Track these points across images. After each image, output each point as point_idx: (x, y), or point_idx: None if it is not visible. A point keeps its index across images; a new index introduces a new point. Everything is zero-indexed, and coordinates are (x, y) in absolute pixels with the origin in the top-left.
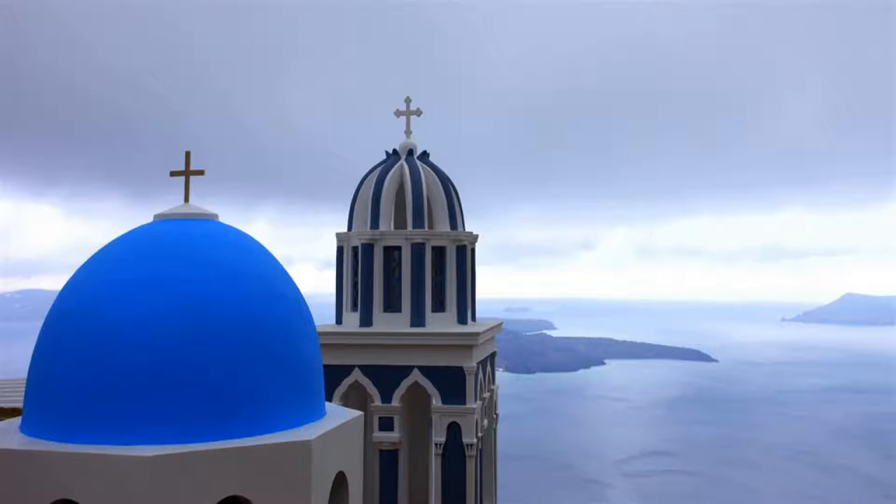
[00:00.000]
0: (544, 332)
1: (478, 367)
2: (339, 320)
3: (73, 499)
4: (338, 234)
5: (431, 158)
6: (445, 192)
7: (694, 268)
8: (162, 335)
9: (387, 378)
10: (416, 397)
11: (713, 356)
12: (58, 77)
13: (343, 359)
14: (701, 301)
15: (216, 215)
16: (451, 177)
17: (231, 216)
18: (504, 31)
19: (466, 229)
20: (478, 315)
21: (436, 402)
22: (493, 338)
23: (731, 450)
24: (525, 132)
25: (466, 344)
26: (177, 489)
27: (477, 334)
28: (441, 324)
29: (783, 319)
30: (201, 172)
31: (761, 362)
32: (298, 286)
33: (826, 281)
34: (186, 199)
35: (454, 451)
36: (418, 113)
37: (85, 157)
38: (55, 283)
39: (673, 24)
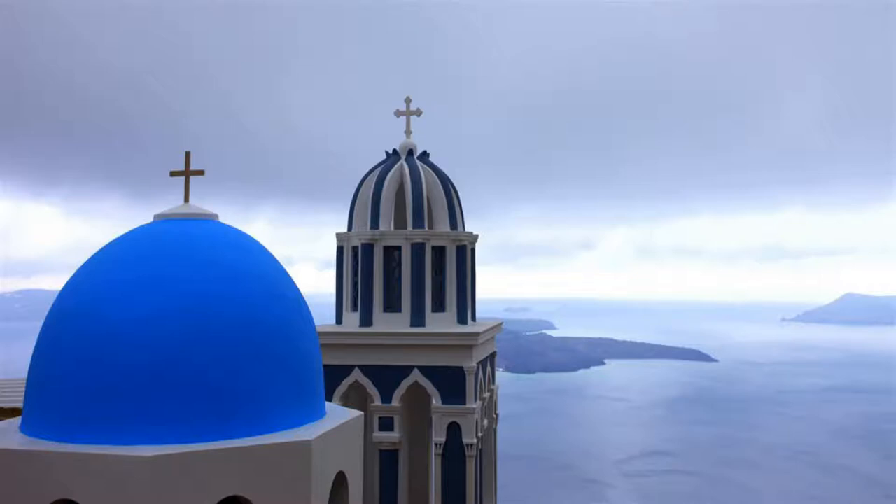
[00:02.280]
0: (544, 332)
1: (478, 367)
2: (339, 320)
3: (73, 499)
4: (338, 234)
5: (431, 158)
6: (445, 192)
7: (694, 268)
8: (162, 335)
9: (387, 378)
10: (416, 397)
11: (713, 356)
12: (58, 77)
13: (343, 359)
14: (701, 301)
15: (216, 215)
16: (451, 177)
17: (231, 216)
18: (504, 31)
19: (466, 229)
20: (478, 315)
21: (436, 402)
22: (493, 338)
23: (731, 450)
24: (525, 132)
25: (466, 344)
26: (177, 489)
27: (477, 334)
28: (441, 324)
29: (783, 319)
30: (201, 172)
31: (761, 362)
32: (298, 286)
33: (826, 281)
34: (186, 199)
35: (454, 451)
36: (418, 113)
37: (85, 157)
38: (55, 283)
39: (673, 24)
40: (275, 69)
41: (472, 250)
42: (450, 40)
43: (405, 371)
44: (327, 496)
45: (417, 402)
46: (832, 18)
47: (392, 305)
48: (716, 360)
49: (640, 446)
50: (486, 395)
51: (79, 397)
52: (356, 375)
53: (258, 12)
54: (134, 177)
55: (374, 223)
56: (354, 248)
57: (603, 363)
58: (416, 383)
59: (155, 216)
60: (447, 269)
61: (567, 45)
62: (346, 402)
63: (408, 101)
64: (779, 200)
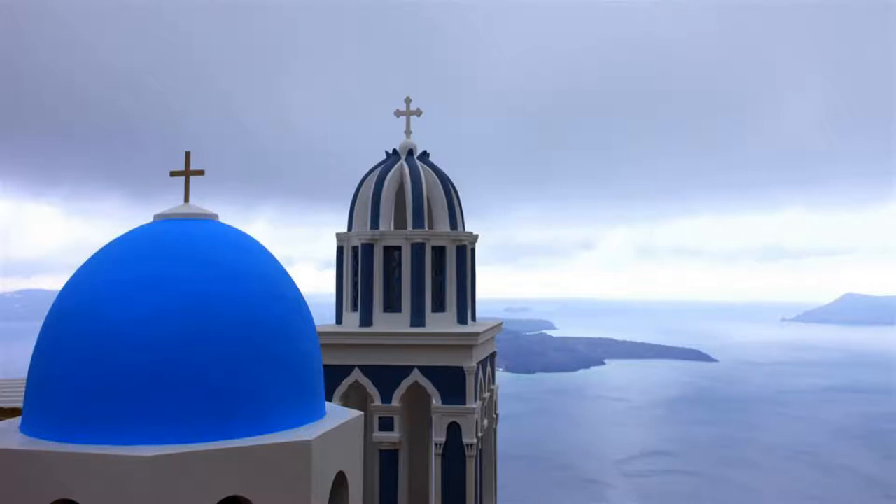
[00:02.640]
0: (544, 332)
1: (478, 367)
2: (339, 320)
3: (73, 499)
4: (338, 234)
5: (431, 158)
6: (445, 192)
7: (694, 268)
8: (162, 335)
9: (387, 378)
10: (416, 397)
11: (713, 356)
12: (58, 77)
13: (343, 359)
14: (701, 301)
15: (216, 215)
16: (451, 177)
17: (231, 216)
18: (504, 31)
19: (466, 229)
20: (478, 315)
21: (436, 402)
22: (493, 338)
23: (731, 450)
24: (525, 132)
25: (466, 344)
26: (177, 489)
27: (477, 334)
28: (441, 324)
29: (783, 319)
30: (201, 172)
31: (761, 362)
32: (298, 286)
33: (826, 281)
34: (186, 199)
35: (454, 451)
36: (418, 113)
37: (85, 157)
38: (55, 283)
39: (673, 24)
40: (275, 69)
41: (472, 250)
42: (450, 40)
43: (405, 371)
44: (327, 496)
45: (417, 402)
46: (832, 18)
47: (392, 305)
48: (716, 360)
49: (640, 446)
50: (486, 395)
51: (79, 397)
52: (356, 375)
53: (258, 12)
54: (134, 177)
55: (374, 223)
56: (354, 248)
57: (603, 363)
58: (416, 383)
59: (155, 216)
60: (447, 269)
61: (567, 45)
62: (346, 402)
63: (408, 101)
64: (779, 200)
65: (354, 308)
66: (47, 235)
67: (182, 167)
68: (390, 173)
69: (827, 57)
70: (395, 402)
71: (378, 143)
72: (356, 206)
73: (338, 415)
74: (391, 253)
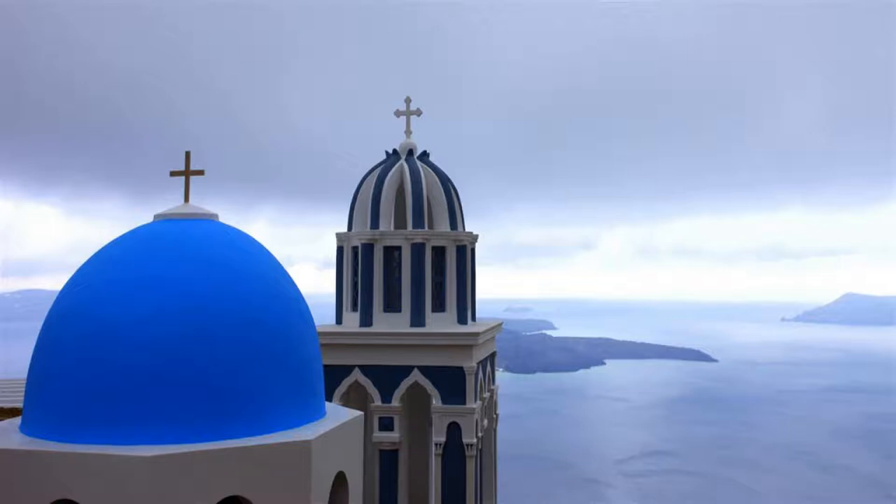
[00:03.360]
0: (544, 332)
1: (478, 367)
2: (339, 320)
3: (73, 499)
4: (338, 234)
5: (431, 158)
6: (445, 193)
7: (694, 268)
8: (162, 335)
9: (387, 378)
10: (416, 397)
11: (713, 356)
12: (58, 77)
13: (343, 359)
14: (701, 301)
15: (216, 215)
16: (451, 177)
17: (231, 216)
18: (504, 31)
19: (466, 229)
20: (478, 315)
21: (436, 402)
22: (493, 338)
23: (731, 450)
24: (525, 132)
25: (466, 344)
26: (177, 489)
27: (477, 334)
28: (441, 324)
29: (783, 319)
30: (201, 172)
31: (761, 362)
32: (298, 286)
33: (826, 281)
34: (186, 199)
35: (454, 451)
36: (418, 113)
37: (85, 157)
38: (55, 283)
39: (673, 24)
40: (275, 69)
41: (472, 250)
42: (450, 40)
43: (405, 371)
44: (327, 496)
45: (417, 402)
46: (832, 18)
47: (392, 305)
48: (716, 360)
49: (640, 446)
50: (486, 395)
51: (79, 397)
52: (356, 375)
53: (258, 12)
54: (134, 177)
55: (374, 223)
56: (354, 248)
57: (603, 363)
58: (416, 383)
59: (155, 216)
60: (447, 269)
61: (567, 45)
62: (346, 402)
63: (408, 101)
64: (779, 200)
65: (354, 308)
66: (47, 235)
67: (182, 167)
68: (390, 173)
69: (827, 57)
70: (395, 402)
71: (378, 143)
72: (356, 206)
73: (338, 415)
74: (391, 253)
